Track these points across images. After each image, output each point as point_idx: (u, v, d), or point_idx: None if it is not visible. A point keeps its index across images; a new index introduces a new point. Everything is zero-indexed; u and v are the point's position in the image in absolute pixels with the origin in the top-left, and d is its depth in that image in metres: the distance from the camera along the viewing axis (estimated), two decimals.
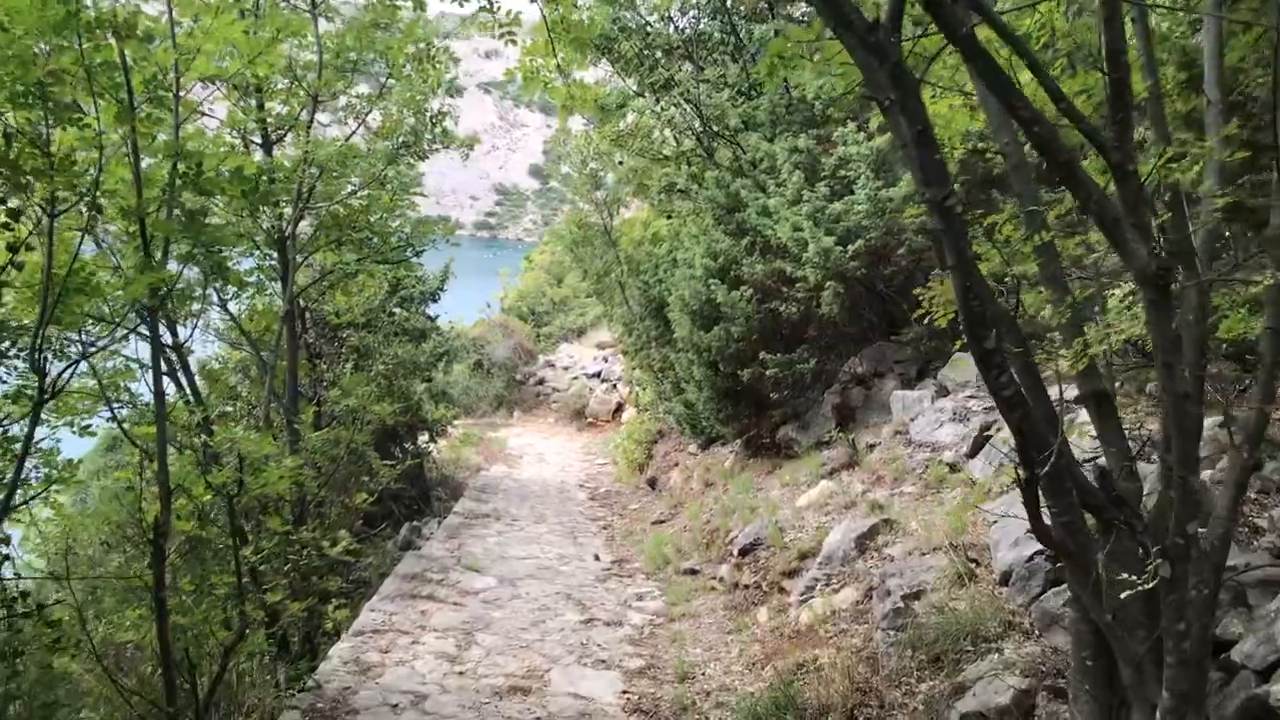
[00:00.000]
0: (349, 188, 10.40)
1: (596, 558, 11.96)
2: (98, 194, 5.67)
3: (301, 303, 12.61)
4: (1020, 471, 3.36)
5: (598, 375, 28.63)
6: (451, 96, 10.27)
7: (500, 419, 28.37)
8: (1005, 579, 7.14)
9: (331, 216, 10.70)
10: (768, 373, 12.11)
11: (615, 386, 27.53)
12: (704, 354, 12.85)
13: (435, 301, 16.44)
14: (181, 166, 5.74)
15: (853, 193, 11.66)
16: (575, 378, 29.25)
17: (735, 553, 10.20)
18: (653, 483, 16.23)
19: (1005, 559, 7.21)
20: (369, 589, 12.12)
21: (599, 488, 17.55)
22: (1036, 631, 6.31)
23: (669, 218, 16.59)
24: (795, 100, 12.99)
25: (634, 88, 14.55)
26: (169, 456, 7.25)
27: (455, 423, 23.27)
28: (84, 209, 5.66)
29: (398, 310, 15.91)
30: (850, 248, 11.27)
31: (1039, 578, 6.84)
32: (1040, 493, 3.48)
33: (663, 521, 13.78)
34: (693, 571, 10.63)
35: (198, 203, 6.11)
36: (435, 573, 9.91)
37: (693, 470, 15.20)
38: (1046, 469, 3.34)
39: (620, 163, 18.00)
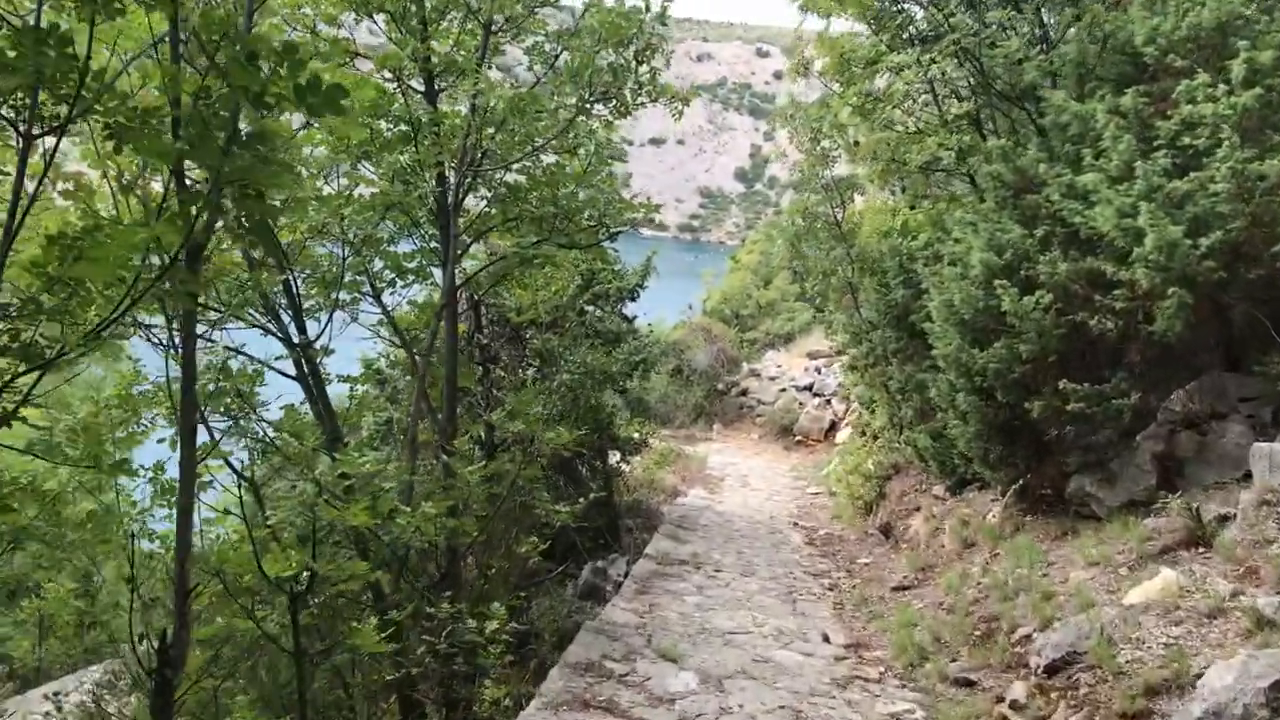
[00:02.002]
0: (529, 149, 8.09)
1: (826, 639, 9.19)
2: (91, 96, 3.44)
3: (474, 295, 10.49)
4: None
5: (809, 388, 25.81)
6: (664, 25, 7.76)
7: (699, 431, 25.95)
8: None
9: (507, 188, 8.44)
10: (1069, 407, 8.99)
11: (829, 402, 24.65)
12: (975, 377, 9.84)
13: (634, 300, 14.06)
14: (222, 56, 3.43)
15: (1203, 167, 8.41)
16: (783, 390, 26.49)
17: (1036, 666, 7.20)
18: (886, 530, 13.27)
19: None
20: (540, 646, 9.82)
21: (817, 529, 14.71)
22: None
23: (913, 208, 13.57)
24: (1112, 48, 9.78)
25: (885, 44, 11.66)
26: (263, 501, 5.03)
27: (651, 437, 21.01)
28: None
29: (590, 309, 13.64)
30: (1204, 242, 8.04)
31: None
32: None
33: (907, 588, 10.84)
34: (967, 683, 7.69)
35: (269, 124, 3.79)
36: (617, 659, 7.42)
37: (941, 521, 12.15)
38: None
39: (856, 143, 15.09)
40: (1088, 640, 6.91)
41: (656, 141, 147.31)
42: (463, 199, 8.22)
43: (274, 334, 7.71)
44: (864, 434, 17.70)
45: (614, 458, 14.48)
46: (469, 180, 8.25)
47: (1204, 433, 9.37)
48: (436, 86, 8.20)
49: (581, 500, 9.61)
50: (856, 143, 15.20)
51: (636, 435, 14.67)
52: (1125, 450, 9.61)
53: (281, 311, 7.89)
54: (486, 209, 8.79)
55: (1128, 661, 6.60)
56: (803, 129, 14.98)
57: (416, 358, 7.85)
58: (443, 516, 6.88)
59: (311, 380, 7.80)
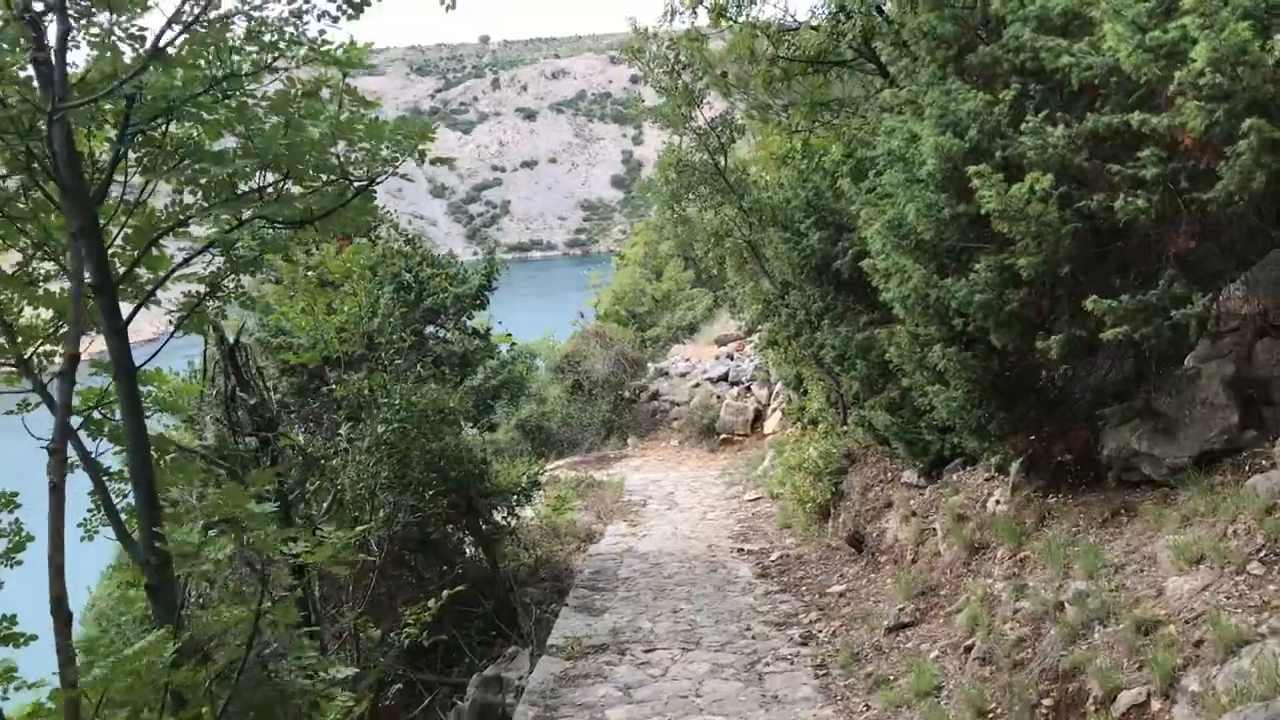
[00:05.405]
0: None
1: None
2: None
3: (224, 339, 7.21)
4: None
5: (724, 378, 22.98)
6: None
7: (612, 450, 22.78)
8: None
9: (175, 146, 5.29)
10: (1105, 335, 6.09)
11: (749, 390, 21.83)
12: (953, 319, 6.89)
13: (480, 308, 10.81)
14: None
15: None
16: (696, 385, 23.55)
17: None
18: (856, 540, 10.27)
19: None
20: None
21: (767, 550, 11.66)
22: None
23: (814, 123, 10.65)
24: None
25: None
26: None
27: (551, 467, 17.87)
28: None
29: (430, 329, 10.42)
30: (1278, 40, 5.22)
31: None
32: None
33: (907, 626, 7.83)
34: None
35: None
36: None
37: (926, 518, 9.20)
38: None
39: (724, 74, 12.19)
40: None
41: (529, 164, 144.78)
42: (109, 175, 4.93)
43: None
44: (798, 421, 14.77)
45: (500, 515, 11.18)
46: (121, 146, 4.98)
47: None
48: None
49: (430, 607, 6.44)
50: (724, 74, 12.30)
51: (524, 479, 11.40)
52: (1177, 383, 6.77)
53: None
54: (179, 196, 5.50)
55: None
56: (657, 62, 11.97)
57: (49, 455, 4.51)
58: None
59: None
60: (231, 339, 7.34)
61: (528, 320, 32.12)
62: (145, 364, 5.14)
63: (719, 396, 22.41)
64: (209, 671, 4.12)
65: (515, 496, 11.11)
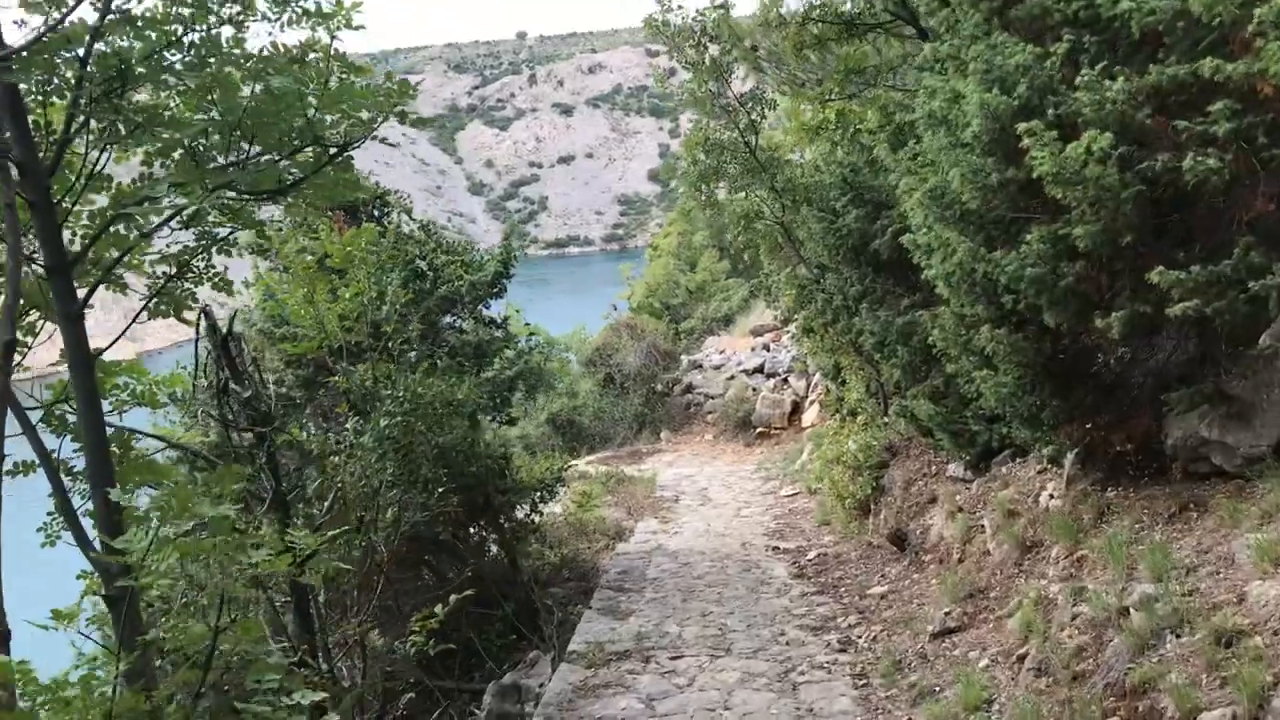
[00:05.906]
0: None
1: None
2: None
3: (217, 328, 6.78)
4: None
5: (760, 370, 22.35)
6: None
7: (645, 445, 22.26)
8: None
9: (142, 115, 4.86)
10: (1172, 310, 5.46)
11: (786, 381, 21.17)
12: (1002, 296, 6.29)
13: (497, 295, 10.32)
14: None
15: None
16: (731, 378, 22.95)
17: None
18: (898, 538, 9.67)
19: None
20: None
21: (804, 549, 11.09)
22: None
23: (851, 95, 10.04)
24: None
25: None
26: None
27: (583, 462, 17.42)
28: None
29: (447, 318, 9.97)
30: None
31: None
32: None
33: (953, 631, 7.24)
34: None
35: None
36: None
37: (974, 514, 8.59)
38: None
39: (754, 48, 11.61)
40: None
41: (566, 160, 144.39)
42: (62, 144, 4.49)
43: None
44: (837, 412, 14.17)
45: (522, 511, 10.70)
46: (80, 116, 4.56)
47: None
48: None
49: (437, 613, 6.05)
50: (753, 47, 11.73)
51: (547, 475, 10.90)
52: (1251, 364, 6.13)
53: None
54: (147, 170, 5.07)
55: None
56: (682, 35, 11.39)
57: None
58: None
59: None
60: (225, 328, 6.92)
61: (563, 315, 31.71)
62: (107, 349, 4.68)
63: (754, 389, 21.79)
64: (165, 694, 3.66)
65: (539, 493, 10.63)
